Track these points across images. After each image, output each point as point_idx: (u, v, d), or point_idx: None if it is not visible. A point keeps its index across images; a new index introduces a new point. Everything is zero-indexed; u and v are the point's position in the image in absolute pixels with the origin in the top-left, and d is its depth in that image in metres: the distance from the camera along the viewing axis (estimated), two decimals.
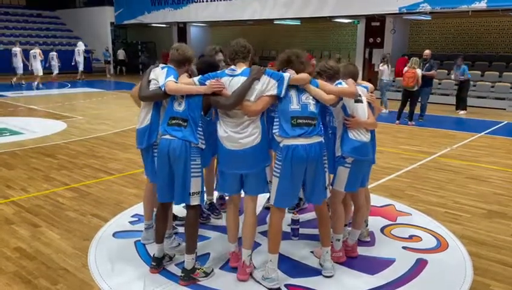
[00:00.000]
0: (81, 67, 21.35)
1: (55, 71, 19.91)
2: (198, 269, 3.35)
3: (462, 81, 12.39)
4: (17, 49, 17.66)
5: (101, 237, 4.09)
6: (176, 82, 3.30)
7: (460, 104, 12.69)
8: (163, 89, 3.32)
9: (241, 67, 3.29)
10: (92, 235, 4.13)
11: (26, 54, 17.92)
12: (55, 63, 20.00)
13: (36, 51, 17.57)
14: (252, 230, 3.39)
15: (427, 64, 10.72)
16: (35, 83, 17.25)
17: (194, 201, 3.29)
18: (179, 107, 3.29)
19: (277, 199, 3.25)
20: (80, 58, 21.35)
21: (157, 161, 3.39)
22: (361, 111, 3.53)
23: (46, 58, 19.06)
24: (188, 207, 3.34)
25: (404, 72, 10.37)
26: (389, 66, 12.96)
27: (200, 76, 3.35)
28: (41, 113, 11.67)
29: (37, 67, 17.47)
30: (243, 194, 3.46)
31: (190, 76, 3.49)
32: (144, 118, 3.61)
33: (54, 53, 20.11)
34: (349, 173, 3.49)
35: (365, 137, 3.51)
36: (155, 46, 26.59)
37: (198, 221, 3.48)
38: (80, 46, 21.82)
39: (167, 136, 3.27)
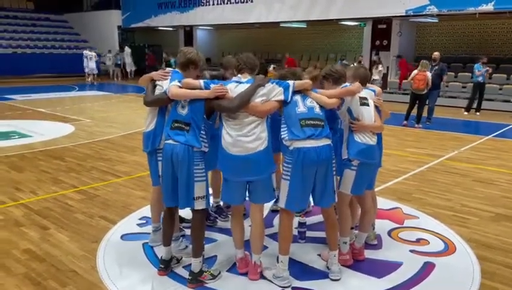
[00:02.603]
0: (129, 68, 23.48)
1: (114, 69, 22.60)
2: (206, 272, 3.37)
3: (483, 82, 12.48)
4: (87, 53, 20.72)
5: (110, 240, 4.13)
6: (180, 86, 3.33)
7: (478, 105, 12.79)
8: (167, 93, 3.36)
9: (246, 77, 3.36)
10: (100, 237, 4.17)
11: (31, 56, 19.01)
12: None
13: (92, 54, 20.72)
14: (261, 239, 3.41)
15: (437, 67, 10.67)
16: (90, 80, 20.62)
17: (199, 205, 3.30)
18: (182, 111, 3.31)
19: (288, 202, 3.26)
20: (128, 60, 23.26)
21: (162, 165, 3.40)
22: (367, 114, 3.53)
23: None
24: (194, 211, 3.36)
25: (414, 74, 10.27)
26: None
27: (205, 80, 3.40)
28: (50, 116, 11.76)
29: (93, 67, 20.60)
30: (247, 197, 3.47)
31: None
32: (150, 122, 3.65)
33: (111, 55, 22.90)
34: (356, 175, 3.49)
35: (371, 140, 3.52)
36: (162, 50, 26.73)
37: (204, 224, 3.49)
38: (127, 50, 23.33)
39: (170, 141, 3.29)
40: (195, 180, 3.24)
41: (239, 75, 3.40)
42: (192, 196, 3.26)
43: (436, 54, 10.96)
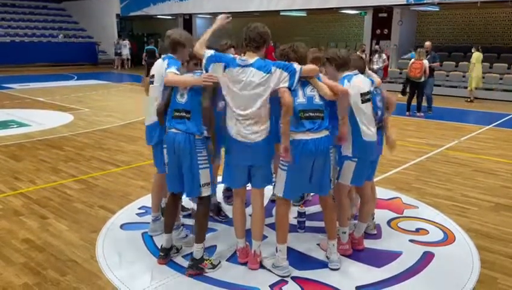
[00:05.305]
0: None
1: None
2: (207, 260, 3.39)
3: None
4: (121, 41, 23.30)
5: (109, 229, 4.12)
6: (176, 73, 3.29)
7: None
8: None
9: (252, 58, 3.19)
10: (99, 227, 4.16)
11: (29, 45, 19.26)
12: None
13: (126, 42, 23.20)
14: (261, 224, 3.41)
15: (429, 56, 10.67)
16: (126, 65, 23.33)
17: (205, 192, 3.33)
18: (182, 99, 3.30)
19: (287, 191, 3.25)
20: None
21: (166, 153, 3.42)
22: (367, 110, 3.44)
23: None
24: (200, 197, 3.39)
25: (410, 63, 10.35)
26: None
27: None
28: (48, 105, 11.72)
29: (127, 53, 23.12)
30: (248, 187, 3.46)
31: (197, 64, 3.45)
32: (153, 114, 3.60)
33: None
34: (355, 167, 3.47)
35: (373, 137, 3.46)
36: (161, 38, 26.56)
37: (209, 211, 3.53)
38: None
39: (172, 130, 3.30)
40: (200, 168, 3.26)
41: (243, 57, 3.21)
42: (199, 183, 3.29)
43: (427, 43, 11.02)
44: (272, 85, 3.14)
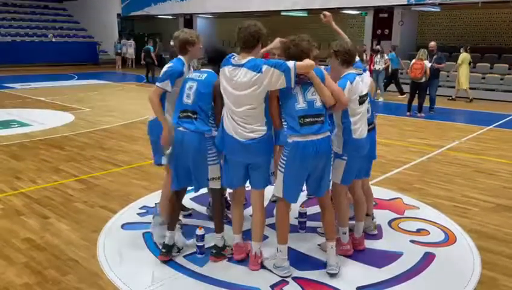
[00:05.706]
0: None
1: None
2: (228, 247, 3.55)
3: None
4: (125, 41, 23.78)
5: (110, 229, 4.12)
6: (164, 89, 3.45)
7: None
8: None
9: (245, 58, 3.15)
10: (100, 226, 4.16)
11: (30, 44, 18.95)
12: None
13: (132, 42, 23.65)
14: (261, 226, 3.41)
15: (435, 56, 10.66)
16: (129, 64, 23.83)
17: (213, 185, 3.43)
18: (188, 100, 3.36)
19: (286, 193, 3.24)
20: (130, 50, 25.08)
21: (173, 150, 3.47)
22: (363, 115, 3.43)
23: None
24: (212, 191, 3.53)
25: (411, 63, 10.34)
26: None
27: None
28: (49, 104, 11.72)
29: (131, 52, 23.55)
30: (248, 187, 3.46)
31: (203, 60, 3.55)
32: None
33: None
34: (345, 165, 3.46)
35: (361, 135, 3.42)
36: (160, 38, 26.55)
37: (223, 203, 3.73)
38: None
39: (180, 128, 3.38)
40: (209, 164, 3.37)
41: (236, 58, 3.18)
42: (207, 177, 3.39)
43: (432, 43, 11.03)
44: (265, 83, 3.08)
